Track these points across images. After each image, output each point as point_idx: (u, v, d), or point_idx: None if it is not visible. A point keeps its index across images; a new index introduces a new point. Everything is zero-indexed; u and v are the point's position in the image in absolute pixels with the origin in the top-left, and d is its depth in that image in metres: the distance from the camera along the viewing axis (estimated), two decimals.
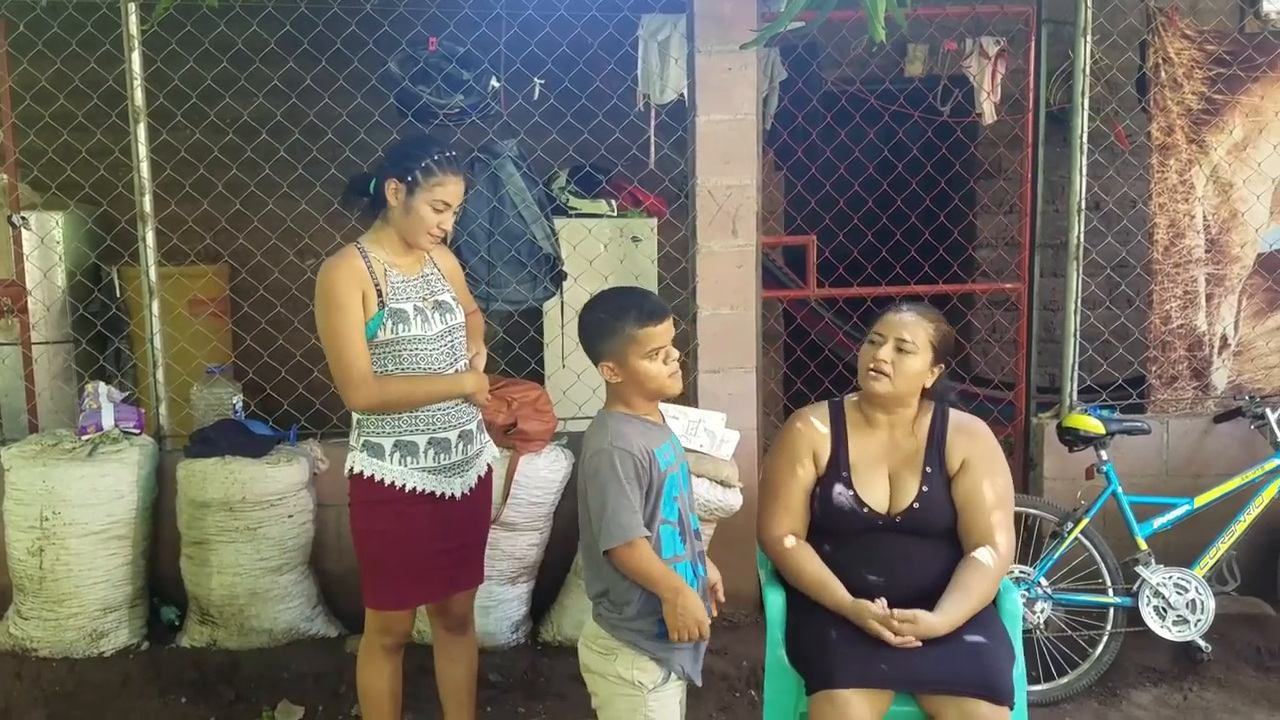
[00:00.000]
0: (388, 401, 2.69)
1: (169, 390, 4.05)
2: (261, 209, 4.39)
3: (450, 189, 2.69)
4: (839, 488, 2.71)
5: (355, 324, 2.64)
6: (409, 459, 2.72)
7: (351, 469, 2.75)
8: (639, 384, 2.39)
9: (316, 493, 3.87)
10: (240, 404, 4.02)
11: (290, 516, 3.74)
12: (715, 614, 2.32)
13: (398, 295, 2.71)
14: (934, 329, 2.69)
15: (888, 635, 2.47)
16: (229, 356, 4.99)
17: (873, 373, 2.68)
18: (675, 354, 2.42)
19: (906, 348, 2.66)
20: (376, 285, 2.67)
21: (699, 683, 2.47)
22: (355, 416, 2.77)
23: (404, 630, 2.87)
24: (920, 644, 2.48)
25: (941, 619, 2.50)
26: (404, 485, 2.72)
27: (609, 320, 2.38)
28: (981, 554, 2.61)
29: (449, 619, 2.95)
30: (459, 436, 2.80)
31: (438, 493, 2.76)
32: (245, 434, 3.81)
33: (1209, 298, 4.29)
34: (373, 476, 2.72)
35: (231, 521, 3.67)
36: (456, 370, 2.81)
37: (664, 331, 2.39)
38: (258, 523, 3.68)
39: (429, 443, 2.74)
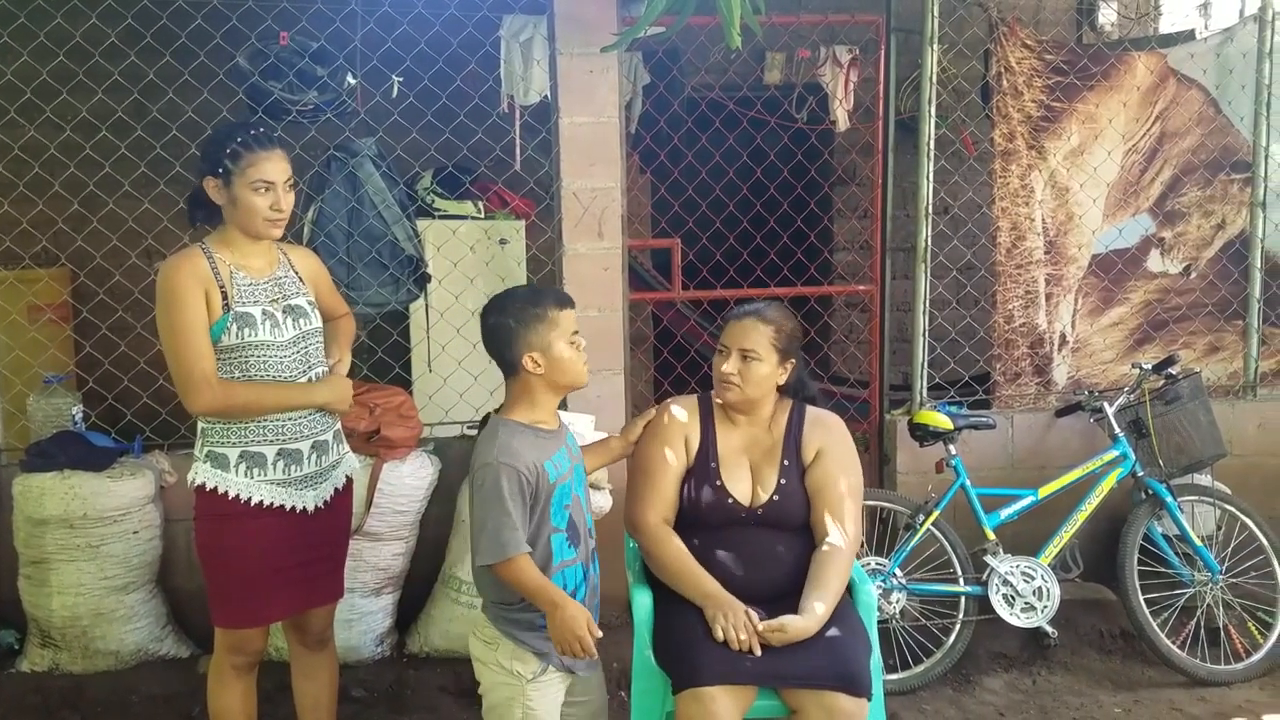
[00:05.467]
0: (232, 406, 2.57)
1: (4, 401, 3.86)
2: (102, 209, 4.18)
3: (265, 165, 2.57)
4: (707, 479, 2.75)
5: (197, 322, 2.52)
6: (255, 471, 2.60)
7: (194, 480, 2.63)
8: (560, 372, 2.44)
9: (164, 507, 3.73)
10: (80, 415, 3.84)
11: (135, 532, 3.59)
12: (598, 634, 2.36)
13: (244, 299, 2.59)
14: (774, 331, 2.74)
15: (755, 645, 2.49)
16: (68, 365, 4.73)
17: (723, 384, 2.75)
18: (583, 342, 2.50)
19: (750, 356, 2.73)
20: (221, 287, 2.56)
21: (580, 673, 2.54)
22: (200, 425, 2.65)
23: (256, 649, 2.75)
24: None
25: (809, 622, 2.53)
26: (249, 498, 2.60)
27: (531, 307, 2.42)
28: (831, 542, 2.67)
29: (306, 635, 2.85)
30: (312, 447, 2.69)
31: (288, 506, 2.65)
32: (85, 446, 3.63)
33: (1049, 297, 4.50)
34: (216, 489, 2.60)
35: (72, 539, 3.50)
36: (310, 379, 2.70)
37: (575, 317, 2.48)
38: (100, 540, 3.52)
39: (278, 454, 2.63)
